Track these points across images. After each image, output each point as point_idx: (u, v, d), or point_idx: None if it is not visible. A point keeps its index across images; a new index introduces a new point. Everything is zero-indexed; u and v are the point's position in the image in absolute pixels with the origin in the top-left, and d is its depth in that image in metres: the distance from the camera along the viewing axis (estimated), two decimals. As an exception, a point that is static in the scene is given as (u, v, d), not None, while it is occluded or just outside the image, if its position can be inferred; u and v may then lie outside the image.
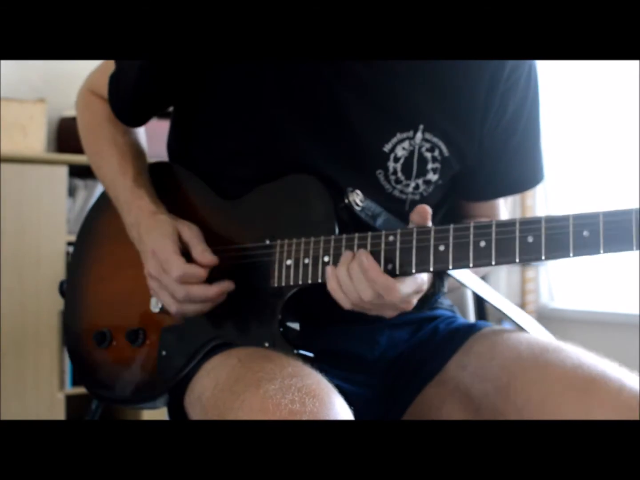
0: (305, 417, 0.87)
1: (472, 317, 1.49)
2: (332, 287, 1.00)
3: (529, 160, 1.21)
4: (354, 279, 0.98)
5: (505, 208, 1.32)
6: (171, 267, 1.06)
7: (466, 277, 1.10)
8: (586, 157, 3.17)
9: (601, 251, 0.87)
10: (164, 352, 1.15)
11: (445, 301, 1.30)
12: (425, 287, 1.01)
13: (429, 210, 1.00)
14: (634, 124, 2.91)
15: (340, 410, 0.91)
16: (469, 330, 1.19)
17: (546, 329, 1.22)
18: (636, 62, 2.80)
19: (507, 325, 1.21)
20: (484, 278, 1.20)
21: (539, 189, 3.37)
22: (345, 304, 1.00)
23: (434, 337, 1.20)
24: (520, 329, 1.17)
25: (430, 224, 1.00)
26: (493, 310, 1.22)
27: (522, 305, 3.37)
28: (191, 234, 1.10)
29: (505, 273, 3.51)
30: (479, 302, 1.54)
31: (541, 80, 1.19)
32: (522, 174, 1.22)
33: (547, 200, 3.37)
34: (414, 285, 0.98)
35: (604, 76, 3.06)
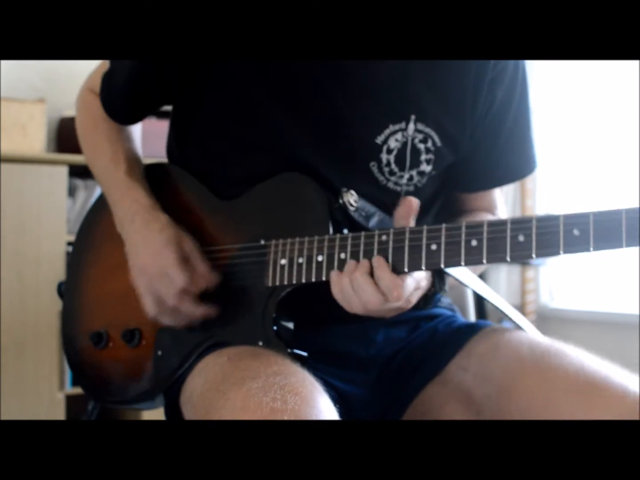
0: (286, 416, 0.86)
1: (472, 316, 1.49)
2: (335, 292, 1.01)
3: (520, 148, 1.22)
4: (356, 290, 0.98)
5: (503, 203, 1.32)
6: (174, 278, 1.08)
7: (465, 276, 1.10)
8: (586, 156, 3.17)
9: (591, 249, 0.88)
10: (159, 352, 1.15)
11: (444, 300, 1.29)
12: (423, 283, 1.02)
13: (415, 203, 1.00)
14: (634, 124, 2.91)
15: (324, 408, 0.91)
16: (470, 330, 1.19)
17: (546, 329, 1.22)
18: (636, 62, 2.80)
19: (507, 325, 1.21)
20: (481, 276, 1.20)
21: (539, 188, 3.37)
22: (349, 309, 1.01)
23: (433, 338, 1.20)
24: (519, 327, 1.17)
25: (414, 217, 1.00)
26: (493, 310, 1.22)
27: (522, 305, 3.37)
28: (193, 246, 1.11)
29: (505, 273, 3.51)
30: (479, 301, 1.53)
31: (541, 80, 1.19)
32: (515, 163, 1.23)
33: (547, 200, 3.37)
34: (413, 282, 0.99)
35: (605, 75, 3.06)
